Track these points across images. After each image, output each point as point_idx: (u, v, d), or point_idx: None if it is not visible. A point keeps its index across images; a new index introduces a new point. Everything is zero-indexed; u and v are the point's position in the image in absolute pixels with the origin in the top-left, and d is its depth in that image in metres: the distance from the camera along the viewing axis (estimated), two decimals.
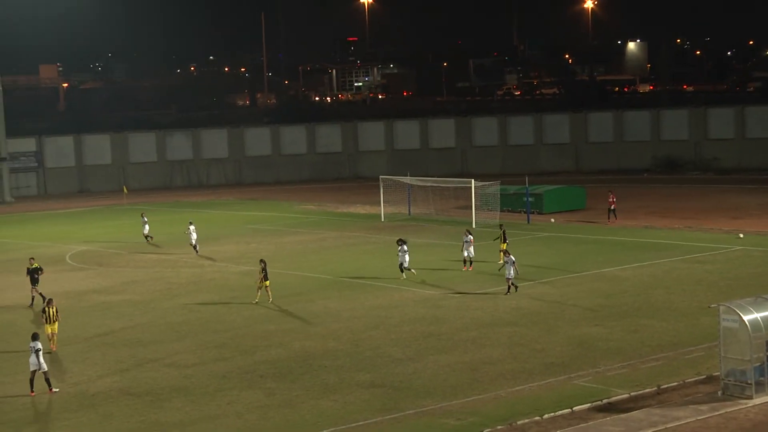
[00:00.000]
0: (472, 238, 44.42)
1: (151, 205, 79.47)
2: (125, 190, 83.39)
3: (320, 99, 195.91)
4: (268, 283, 38.72)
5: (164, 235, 61.04)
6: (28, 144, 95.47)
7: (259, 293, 38.85)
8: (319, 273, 45.13)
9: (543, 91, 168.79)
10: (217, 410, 25.90)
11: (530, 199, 62.05)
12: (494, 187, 62.33)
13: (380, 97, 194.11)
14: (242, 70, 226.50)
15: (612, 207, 58.85)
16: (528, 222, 59.54)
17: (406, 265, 42.38)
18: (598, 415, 24.52)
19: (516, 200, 63.80)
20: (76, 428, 24.86)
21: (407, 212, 65.95)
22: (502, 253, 44.65)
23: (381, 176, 67.58)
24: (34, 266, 40.73)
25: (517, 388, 26.90)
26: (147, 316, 37.54)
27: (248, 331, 34.45)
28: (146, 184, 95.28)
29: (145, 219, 57.98)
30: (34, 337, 28.19)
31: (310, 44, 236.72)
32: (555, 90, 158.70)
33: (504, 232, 46.18)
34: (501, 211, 61.02)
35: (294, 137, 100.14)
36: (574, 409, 24.89)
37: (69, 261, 52.05)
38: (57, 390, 27.85)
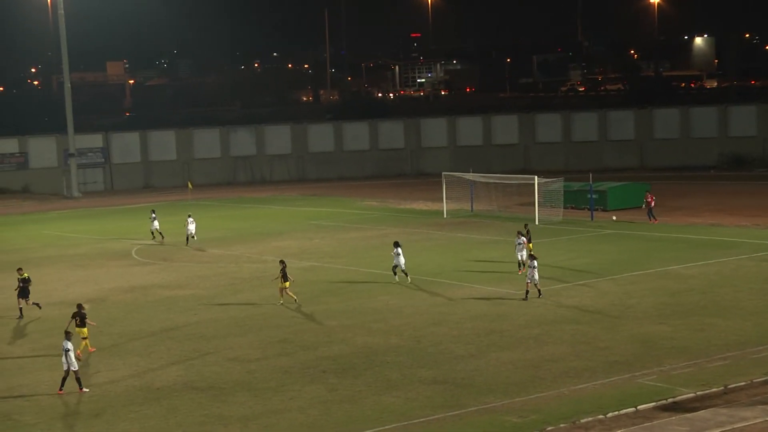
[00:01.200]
0: (525, 240, 42.99)
1: (215, 201, 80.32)
2: (190, 185, 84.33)
3: (383, 95, 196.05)
4: (287, 284, 38.12)
5: (227, 230, 61.64)
6: (95, 140, 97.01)
7: (282, 295, 38.33)
8: (380, 269, 45.15)
9: (607, 87, 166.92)
10: (279, 405, 26.04)
11: (594, 195, 61.49)
12: (557, 184, 61.88)
13: (443, 93, 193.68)
14: (305, 66, 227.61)
15: (651, 207, 57.28)
16: (591, 219, 59.00)
17: (402, 267, 41.37)
18: (662, 414, 24.21)
19: (579, 197, 63.26)
20: (141, 421, 25.15)
21: (469, 209, 65.75)
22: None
23: (443, 173, 67.50)
24: (23, 276, 38.23)
25: (580, 386, 26.65)
26: (211, 311, 37.89)
27: (310, 326, 34.60)
28: (210, 180, 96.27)
29: (154, 215, 58.35)
30: (67, 337, 27.87)
31: (373, 40, 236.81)
32: (620, 86, 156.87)
33: (528, 231, 45.08)
34: (564, 208, 60.61)
35: (357, 133, 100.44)
36: (638, 407, 24.60)
37: (135, 256, 52.76)
38: (87, 390, 27.74)
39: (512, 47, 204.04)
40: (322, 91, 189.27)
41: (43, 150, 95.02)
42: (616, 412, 24.28)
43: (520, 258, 42.47)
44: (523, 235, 42.96)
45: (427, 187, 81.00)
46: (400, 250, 41.33)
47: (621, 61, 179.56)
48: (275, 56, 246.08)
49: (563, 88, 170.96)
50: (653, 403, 24.85)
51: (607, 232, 54.29)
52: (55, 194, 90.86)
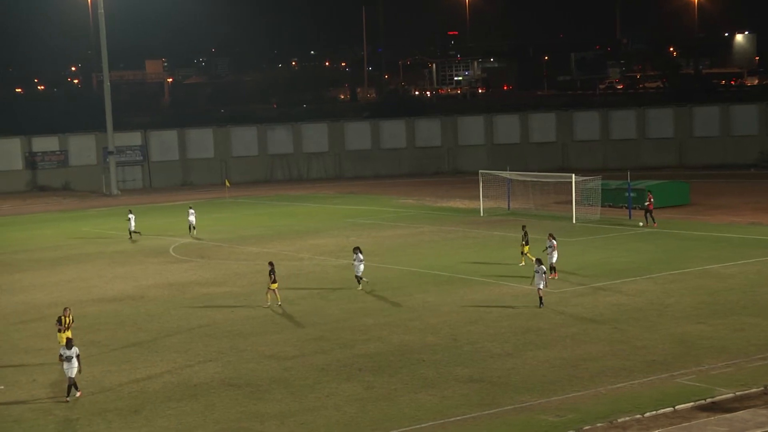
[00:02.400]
0: (555, 243, 41.38)
1: (252, 199, 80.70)
2: (227, 183, 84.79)
3: (420, 93, 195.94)
4: (275, 285, 37.81)
5: (264, 228, 61.89)
6: (134, 138, 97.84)
7: (269, 296, 37.99)
8: (417, 267, 45.17)
9: (646, 84, 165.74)
10: (316, 402, 26.10)
11: (632, 194, 61.07)
12: (595, 182, 61.53)
13: (480, 91, 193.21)
14: (342, 64, 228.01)
15: (650, 209, 55.25)
16: (629, 217, 58.59)
17: (359, 274, 40.18)
18: (701, 414, 24.00)
19: (617, 195, 62.88)
20: (179, 417, 25.31)
21: (506, 207, 65.55)
22: (523, 256, 43.97)
23: (480, 171, 67.34)
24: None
25: (618, 385, 26.48)
26: (248, 308, 38.04)
27: (347, 324, 34.65)
28: (247, 178, 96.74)
29: (132, 216, 59.26)
30: (69, 345, 27.38)
31: (410, 38, 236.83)
32: (659, 84, 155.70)
33: (526, 233, 44.43)
34: (602, 206, 60.26)
35: (393, 131, 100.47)
36: (676, 407, 24.41)
37: (172, 253, 53.11)
38: (77, 396, 27.06)
39: (550, 45, 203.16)
40: (359, 89, 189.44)
41: (82, 148, 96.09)
42: (654, 412, 24.10)
43: (551, 262, 41.01)
44: (554, 239, 41.53)
45: (463, 185, 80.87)
46: (361, 256, 40.19)
47: (660, 59, 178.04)
48: (312, 54, 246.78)
49: (601, 86, 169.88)
50: (692, 403, 24.64)
51: (646, 231, 53.90)
52: (94, 192, 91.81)
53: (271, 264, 38.56)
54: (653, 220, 55.11)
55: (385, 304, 37.77)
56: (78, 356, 27.20)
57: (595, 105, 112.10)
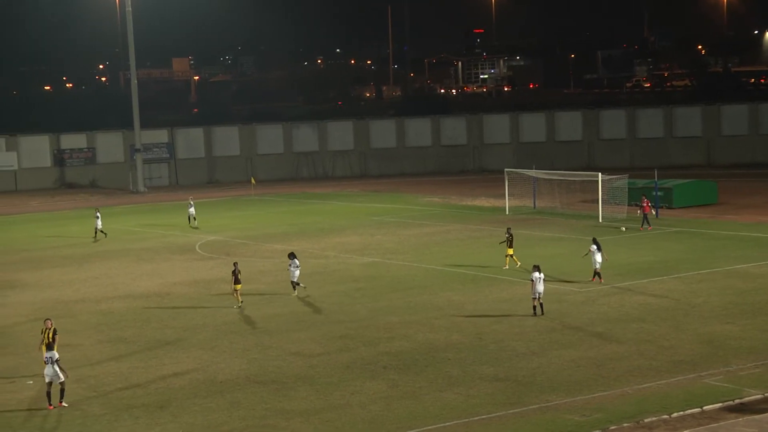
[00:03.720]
0: (595, 248, 39.65)
1: (278, 196, 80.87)
2: (253, 181, 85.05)
3: (445, 91, 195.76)
4: (239, 287, 37.58)
5: (289, 226, 62.01)
6: (160, 135, 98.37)
7: (236, 296, 37.71)
8: (442, 265, 45.12)
9: (674, 83, 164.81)
10: (341, 400, 26.12)
11: (659, 193, 60.73)
12: (622, 181, 61.22)
13: (506, 89, 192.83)
14: (368, 62, 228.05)
15: (646, 213, 54.14)
16: (656, 216, 58.27)
17: (294, 279, 39.41)
18: (729, 415, 23.82)
19: (644, 194, 62.47)
20: (205, 414, 25.40)
21: (532, 205, 65.36)
22: (507, 258, 43.65)
23: (506, 169, 67.20)
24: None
25: (645, 385, 26.33)
26: (273, 305, 38.12)
27: (372, 322, 34.65)
28: (273, 176, 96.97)
29: (98, 215, 59.76)
30: (49, 348, 26.78)
31: (435, 37, 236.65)
32: (686, 82, 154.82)
33: (510, 236, 43.99)
34: (628, 205, 59.93)
35: (419, 129, 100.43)
36: (704, 408, 24.25)
37: (198, 250, 53.31)
38: (66, 405, 26.27)
39: (576, 43, 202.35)
40: (384, 87, 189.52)
41: (110, 145, 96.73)
42: (681, 412, 23.98)
43: (597, 267, 39.56)
44: (596, 243, 39.97)
45: (489, 183, 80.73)
46: (297, 262, 39.43)
47: (688, 57, 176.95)
48: (338, 52, 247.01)
49: (628, 84, 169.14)
50: (720, 404, 24.47)
51: (673, 230, 53.60)
52: (121, 189, 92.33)
53: (235, 264, 38.17)
54: (648, 223, 53.95)
55: (410, 302, 37.74)
56: (57, 361, 26.32)
57: (621, 103, 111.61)
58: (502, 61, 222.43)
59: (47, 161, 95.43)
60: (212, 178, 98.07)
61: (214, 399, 26.59)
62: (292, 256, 39.76)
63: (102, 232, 59.43)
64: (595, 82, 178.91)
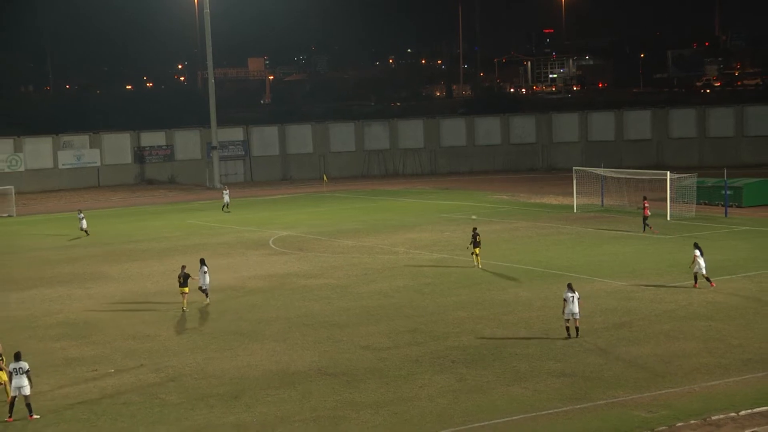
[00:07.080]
0: (698, 252, 37.82)
1: (349, 193, 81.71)
2: (325, 178, 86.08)
3: (515, 90, 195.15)
4: (186, 289, 37.52)
5: (360, 222, 62.75)
6: (236, 133, 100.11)
7: (185, 300, 37.69)
8: (511, 262, 45.42)
9: (745, 82, 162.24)
10: (409, 393, 26.52)
11: (728, 192, 60.26)
12: (690, 180, 60.88)
13: (575, 88, 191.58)
14: (438, 62, 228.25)
15: (645, 215, 52.76)
16: (725, 215, 57.86)
17: (205, 286, 38.68)
18: None
19: (713, 193, 62.18)
20: (278, 405, 26.00)
21: (600, 203, 65.27)
22: (474, 257, 43.78)
23: (574, 167, 67.17)
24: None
25: (712, 383, 26.34)
26: (344, 299, 38.81)
27: (440, 317, 35.12)
28: (345, 173, 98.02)
29: (82, 215, 60.80)
30: (17, 357, 25.55)
31: (505, 36, 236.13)
32: (758, 81, 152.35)
33: (475, 236, 43.69)
34: (697, 204, 59.64)
35: (488, 128, 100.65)
36: None
37: (272, 245, 54.28)
38: (38, 417, 25.35)
39: (646, 42, 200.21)
40: (454, 86, 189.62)
41: (187, 143, 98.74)
42: (750, 411, 23.94)
43: (704, 272, 37.93)
44: (698, 248, 38.07)
45: (557, 181, 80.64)
46: (206, 268, 38.71)
47: (760, 56, 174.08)
48: (409, 52, 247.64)
49: (699, 83, 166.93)
50: None
51: (742, 229, 53.20)
52: (198, 185, 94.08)
53: (183, 267, 38.14)
54: (648, 226, 52.75)
55: (478, 297, 38.14)
56: (26, 372, 25.29)
57: (691, 102, 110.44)
58: (571, 61, 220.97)
59: (128, 158, 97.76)
60: (286, 174, 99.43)
61: (287, 390, 27.15)
62: (202, 262, 39.33)
63: (84, 231, 60.46)
64: (664, 82, 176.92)
